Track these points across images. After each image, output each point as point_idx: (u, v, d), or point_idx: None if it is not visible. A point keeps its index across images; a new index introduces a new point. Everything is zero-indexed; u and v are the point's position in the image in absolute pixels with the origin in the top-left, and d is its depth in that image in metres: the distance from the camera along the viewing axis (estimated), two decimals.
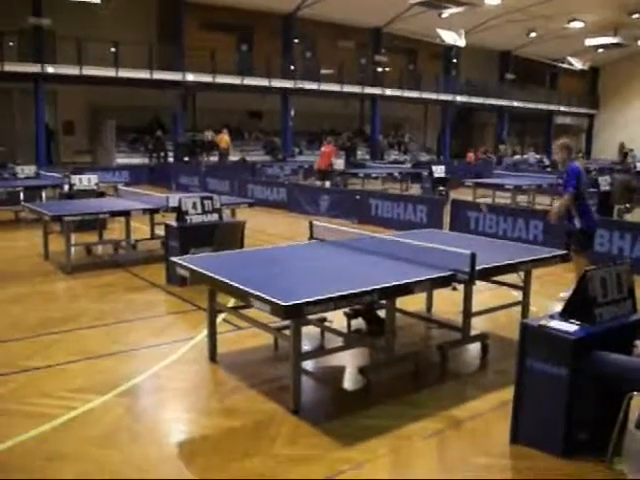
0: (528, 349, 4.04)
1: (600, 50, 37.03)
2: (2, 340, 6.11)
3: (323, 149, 20.14)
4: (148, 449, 4.14)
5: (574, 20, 32.85)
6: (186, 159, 26.98)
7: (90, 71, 24.10)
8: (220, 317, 6.10)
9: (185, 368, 5.47)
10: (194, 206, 8.40)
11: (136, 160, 27.24)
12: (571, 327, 3.92)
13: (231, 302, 6.14)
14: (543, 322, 4.03)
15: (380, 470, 3.86)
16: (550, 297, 7.58)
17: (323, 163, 19.54)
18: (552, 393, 3.92)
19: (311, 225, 6.71)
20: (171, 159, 27.64)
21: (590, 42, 33.78)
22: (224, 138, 26.94)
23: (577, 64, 39.32)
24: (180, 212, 8.32)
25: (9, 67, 22.54)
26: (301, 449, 4.07)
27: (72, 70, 23.80)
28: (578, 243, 7.39)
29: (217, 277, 4.85)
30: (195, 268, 5.17)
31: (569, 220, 7.50)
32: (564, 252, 6.29)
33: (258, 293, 4.29)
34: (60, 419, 4.45)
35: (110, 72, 24.59)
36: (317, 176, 20.01)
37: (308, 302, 4.16)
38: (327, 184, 18.69)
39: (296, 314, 4.21)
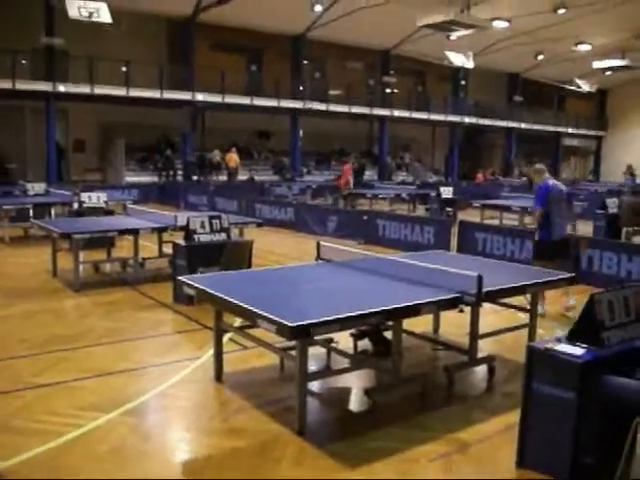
0: (535, 372, 4.03)
1: (608, 72, 37.06)
2: (11, 357, 6.13)
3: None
4: (153, 468, 4.15)
5: (582, 43, 32.98)
6: (195, 178, 27.13)
7: (101, 90, 24.34)
8: (226, 336, 6.10)
9: (191, 387, 5.47)
10: (202, 225, 8.43)
11: (145, 178, 27.43)
12: (578, 350, 3.91)
13: (237, 322, 6.15)
14: (550, 345, 4.02)
15: None
16: (557, 319, 7.56)
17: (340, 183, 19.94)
18: (559, 417, 3.90)
19: (318, 245, 6.73)
20: (180, 178, 27.82)
21: (598, 65, 33.84)
22: (233, 157, 27.09)
23: (585, 86, 39.41)
24: (188, 231, 8.36)
25: (21, 85, 22.77)
26: (306, 471, 4.06)
27: (83, 89, 24.05)
28: (534, 252, 8.28)
29: (224, 297, 4.86)
30: (202, 287, 5.19)
31: None
32: (571, 275, 6.26)
33: (264, 313, 4.30)
34: (67, 436, 4.46)
35: (121, 91, 24.84)
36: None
37: (314, 323, 4.17)
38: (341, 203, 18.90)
39: (302, 335, 4.21)
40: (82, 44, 23.71)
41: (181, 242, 8.43)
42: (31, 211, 13.97)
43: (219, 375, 5.60)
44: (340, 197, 19.97)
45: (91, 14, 20.85)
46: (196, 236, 8.36)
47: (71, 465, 4.09)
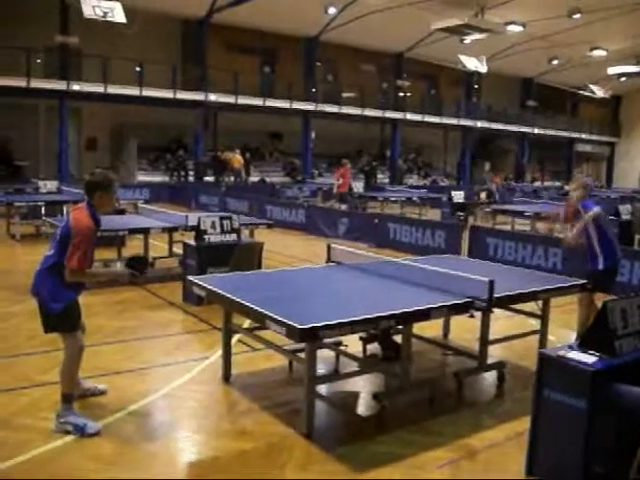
0: (546, 379, 3.98)
1: (622, 78, 36.90)
2: (18, 354, 6.15)
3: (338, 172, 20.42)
4: (158, 468, 4.13)
5: (596, 48, 32.83)
6: (210, 179, 27.16)
7: (114, 89, 24.42)
8: (235, 338, 6.09)
9: (198, 388, 5.45)
10: (213, 226, 8.42)
11: (157, 178, 27.51)
12: (590, 358, 3.86)
13: (246, 323, 6.13)
14: (562, 352, 3.97)
15: None
16: (569, 327, 7.48)
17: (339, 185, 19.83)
18: (570, 425, 3.85)
19: (329, 248, 6.71)
20: (191, 178, 27.87)
21: (612, 70, 33.70)
22: (237, 158, 26.97)
23: (599, 92, 39.22)
24: (199, 231, 8.35)
25: (35, 83, 22.89)
26: (313, 475, 4.03)
27: (97, 88, 24.14)
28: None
29: (233, 298, 4.85)
30: (212, 288, 5.18)
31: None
32: (583, 282, 6.19)
33: (274, 315, 4.28)
34: (72, 435, 4.44)
35: (134, 91, 24.92)
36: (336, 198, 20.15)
37: (324, 325, 4.14)
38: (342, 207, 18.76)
39: (312, 337, 4.19)
40: (96, 43, 23.85)
41: (191, 242, 8.43)
42: (43, 209, 14.02)
43: (227, 376, 5.59)
44: (339, 199, 19.96)
45: (106, 13, 20.93)
46: (206, 236, 8.35)
47: (75, 465, 4.08)
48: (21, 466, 4.04)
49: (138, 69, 25.32)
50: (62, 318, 4.58)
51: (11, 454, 4.14)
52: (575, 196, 6.97)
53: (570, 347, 4.07)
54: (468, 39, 27.38)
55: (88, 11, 20.74)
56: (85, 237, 4.44)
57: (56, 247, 4.56)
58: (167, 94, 25.91)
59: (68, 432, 4.45)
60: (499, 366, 5.85)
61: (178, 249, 9.74)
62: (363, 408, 5.27)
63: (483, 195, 21.39)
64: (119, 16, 21.27)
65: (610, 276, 6.91)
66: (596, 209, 6.78)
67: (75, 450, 4.27)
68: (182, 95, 26.39)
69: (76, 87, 23.83)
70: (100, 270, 4.57)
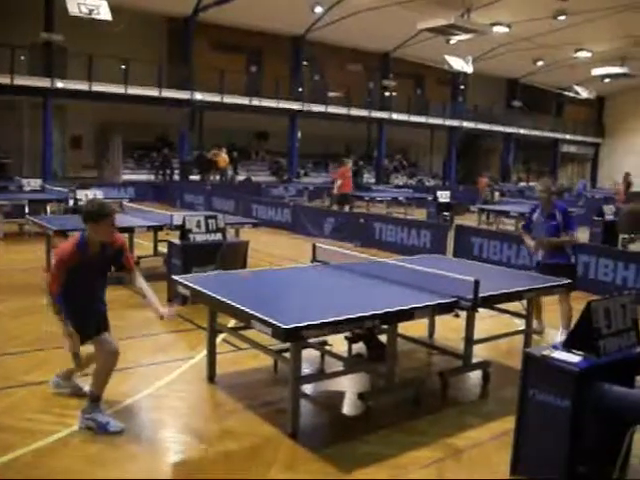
0: (530, 379, 3.99)
1: (606, 80, 37.15)
2: (2, 353, 6.08)
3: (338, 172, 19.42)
4: (143, 469, 4.10)
5: (581, 50, 33.05)
6: (195, 177, 27.07)
7: (99, 87, 24.29)
8: (220, 337, 6.06)
9: (183, 388, 5.43)
10: (198, 225, 8.37)
11: (142, 177, 27.37)
12: (575, 358, 3.88)
13: (231, 322, 6.11)
14: (546, 352, 3.99)
15: None
16: (554, 326, 7.51)
17: (339, 186, 19.07)
18: (554, 424, 3.86)
19: (314, 248, 6.69)
20: (177, 177, 27.75)
21: (597, 72, 33.91)
22: (222, 157, 26.92)
23: (583, 93, 39.47)
24: (184, 230, 8.31)
25: (19, 81, 22.71)
26: (298, 474, 4.02)
27: (81, 86, 23.99)
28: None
29: (218, 297, 4.82)
30: (196, 287, 5.15)
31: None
32: (567, 281, 6.23)
33: (259, 315, 4.26)
34: (56, 435, 4.41)
35: (119, 89, 24.78)
36: (333, 199, 19.57)
37: (309, 325, 4.13)
38: (346, 208, 18.37)
39: (296, 337, 4.17)
40: (81, 41, 23.65)
41: (176, 241, 8.38)
42: (26, 207, 13.91)
43: (212, 376, 5.56)
44: (335, 201, 19.34)
45: (91, 11, 20.76)
46: (192, 235, 8.31)
47: (59, 465, 4.05)
48: (6, 466, 4.00)
49: (123, 67, 25.17)
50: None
51: None
52: (545, 199, 7.24)
53: (555, 347, 4.09)
54: (454, 39, 27.41)
55: (73, 8, 20.57)
56: (59, 260, 4.49)
57: None
58: (152, 92, 25.79)
59: (90, 428, 4.50)
60: (484, 366, 5.87)
61: (163, 248, 9.68)
62: (348, 408, 5.26)
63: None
64: (105, 14, 21.11)
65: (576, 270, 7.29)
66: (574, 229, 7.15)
67: (59, 451, 4.23)
68: (168, 94, 26.28)
69: (60, 85, 23.65)
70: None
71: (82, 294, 4.67)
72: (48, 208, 14.81)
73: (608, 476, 3.77)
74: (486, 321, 6.97)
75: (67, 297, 4.55)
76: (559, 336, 6.81)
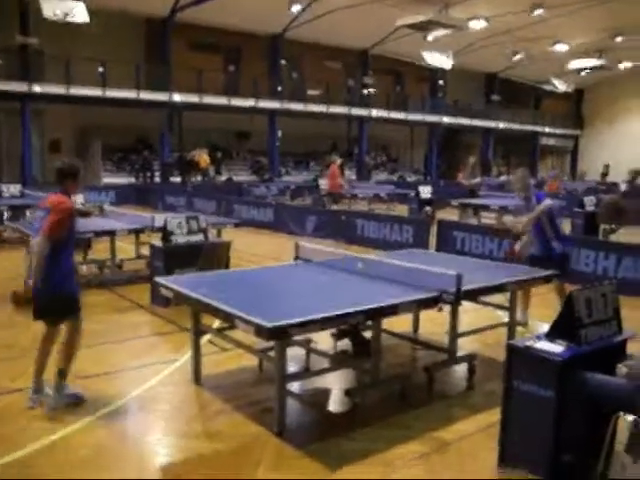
0: (514, 370, 4.02)
1: (584, 72, 37.47)
2: None
3: (330, 170, 19.14)
4: (130, 472, 4.09)
5: (558, 43, 33.27)
6: (176, 179, 26.93)
7: (77, 90, 24.05)
8: (205, 338, 6.04)
9: (169, 390, 5.40)
10: (179, 226, 8.34)
11: (122, 180, 27.13)
12: (557, 348, 3.90)
13: (216, 323, 6.08)
14: (529, 343, 4.01)
15: None
16: (539, 318, 7.56)
17: (330, 185, 18.83)
18: (539, 414, 3.89)
19: (297, 246, 6.68)
20: (158, 179, 27.59)
21: (574, 65, 34.18)
22: (203, 157, 26.81)
23: (561, 86, 39.76)
24: (165, 232, 8.27)
25: None
26: (285, 473, 4.01)
27: (59, 89, 23.73)
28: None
29: (200, 298, 4.80)
30: (178, 289, 5.12)
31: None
32: (548, 273, 6.27)
33: (242, 314, 4.25)
34: (43, 441, 4.39)
35: (97, 92, 24.57)
36: (328, 199, 19.31)
37: (292, 324, 4.12)
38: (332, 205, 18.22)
39: (280, 336, 4.17)
40: (58, 43, 23.46)
41: (158, 244, 8.34)
42: (5, 213, 13.76)
43: (197, 377, 5.53)
44: (329, 200, 19.05)
45: (66, 14, 20.58)
46: (173, 237, 8.27)
47: (47, 469, 4.02)
48: None
49: (101, 69, 24.99)
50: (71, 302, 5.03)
51: None
52: (519, 189, 7.37)
53: (538, 337, 4.11)
54: (431, 35, 27.50)
55: (48, 11, 20.39)
56: (63, 211, 4.88)
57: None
58: (131, 94, 25.60)
59: (68, 404, 4.89)
60: (469, 359, 5.88)
61: (145, 251, 9.64)
62: (335, 405, 5.26)
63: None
64: (81, 16, 20.94)
65: (567, 259, 7.34)
66: (548, 201, 7.20)
67: (47, 455, 4.22)
68: (146, 95, 26.10)
69: (38, 89, 23.41)
70: (39, 261, 4.80)
71: (70, 255, 5.09)
72: (28, 213, 14.66)
73: (593, 464, 3.80)
74: (470, 314, 7.00)
75: (62, 258, 4.94)
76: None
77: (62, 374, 4.98)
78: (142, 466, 4.18)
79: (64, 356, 5.01)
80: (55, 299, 4.91)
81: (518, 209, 7.64)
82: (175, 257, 8.04)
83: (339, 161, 19.68)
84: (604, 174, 29.57)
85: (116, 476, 3.98)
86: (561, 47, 33.60)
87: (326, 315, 4.31)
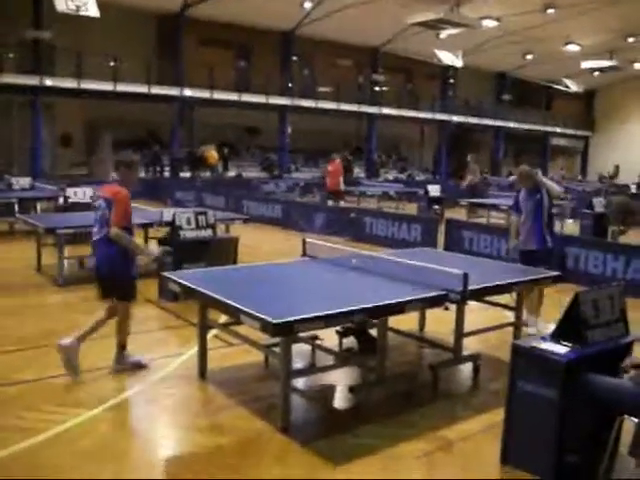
0: (519, 370, 4.03)
1: (596, 73, 37.33)
2: None
3: (330, 168, 18.81)
4: (135, 464, 4.13)
5: (570, 43, 33.17)
6: (186, 174, 27.02)
7: (88, 85, 24.21)
8: (211, 333, 6.06)
9: (175, 384, 5.43)
10: (188, 221, 8.37)
11: None
12: (562, 349, 3.91)
13: (222, 318, 6.11)
14: (534, 343, 4.02)
15: None
16: (544, 319, 7.54)
17: (332, 183, 18.74)
18: (542, 415, 3.89)
19: (304, 242, 6.70)
20: (167, 174, 27.67)
21: (586, 65, 34.04)
22: (211, 153, 26.89)
23: (573, 86, 39.63)
24: (174, 227, 8.30)
25: (8, 79, 22.61)
26: (290, 468, 4.04)
27: (70, 83, 23.90)
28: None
29: (208, 293, 4.83)
30: (186, 284, 5.15)
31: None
32: (557, 274, 6.27)
33: (248, 310, 4.27)
34: (49, 432, 4.41)
35: (108, 86, 24.71)
36: (329, 197, 19.21)
37: (298, 320, 4.14)
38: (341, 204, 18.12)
39: (286, 332, 4.19)
40: (70, 38, 23.58)
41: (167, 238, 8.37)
42: (16, 206, 13.85)
43: (203, 372, 5.56)
44: (332, 198, 18.94)
45: (79, 7, 20.70)
46: (182, 232, 8.30)
47: (52, 461, 4.05)
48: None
49: (112, 64, 25.08)
50: (127, 285, 5.61)
51: None
52: (526, 186, 7.39)
53: (543, 338, 4.11)
54: (444, 34, 27.49)
55: (61, 5, 20.51)
56: (123, 200, 5.44)
57: (102, 224, 5.51)
58: (142, 89, 25.73)
59: (125, 370, 5.55)
60: (474, 358, 5.89)
61: (153, 246, 9.68)
62: (340, 401, 5.28)
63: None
64: (93, 10, 21.08)
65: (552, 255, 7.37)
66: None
67: (52, 447, 4.24)
68: (157, 90, 26.23)
69: (49, 82, 23.57)
70: (134, 240, 5.64)
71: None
72: (38, 206, 14.76)
73: (597, 465, 3.80)
74: (476, 314, 6.99)
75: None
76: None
77: (121, 346, 5.68)
78: (147, 458, 4.22)
79: (121, 330, 5.67)
80: (124, 281, 5.58)
81: (523, 202, 7.48)
82: (183, 252, 8.08)
83: (338, 159, 19.46)
84: (611, 176, 29.43)
85: (121, 469, 4.02)
86: (572, 47, 33.51)
87: (332, 312, 4.32)
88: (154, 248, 7.37)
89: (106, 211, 5.46)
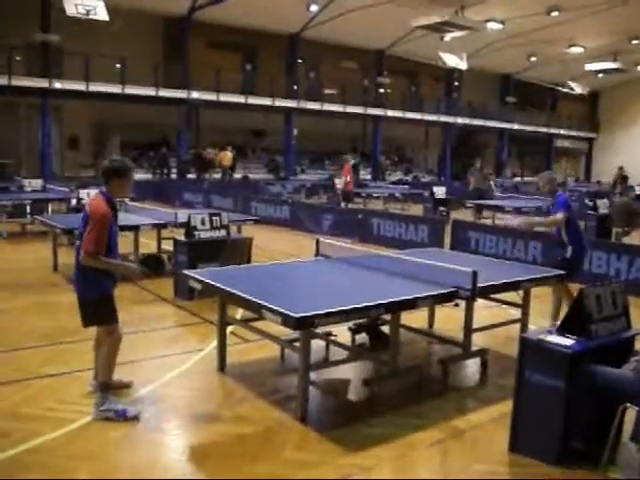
0: (527, 362, 4.25)
1: (600, 75, 37.50)
2: (16, 348, 6.30)
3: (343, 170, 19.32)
4: (161, 452, 4.37)
5: (574, 45, 33.35)
6: (192, 175, 27.28)
7: (96, 87, 24.46)
8: (228, 330, 6.28)
9: (195, 377, 5.67)
10: (203, 222, 8.62)
11: (140, 176, 27.42)
12: (568, 341, 4.13)
13: (238, 315, 6.34)
14: (541, 336, 4.24)
15: (386, 475, 4.06)
16: (548, 316, 7.75)
17: (345, 184, 19.06)
18: (549, 404, 4.12)
19: (317, 242, 6.93)
20: (175, 176, 27.93)
21: (590, 67, 34.19)
22: (227, 156, 27.25)
23: (577, 88, 39.75)
24: (189, 228, 8.54)
25: (17, 81, 22.87)
26: (310, 455, 4.26)
27: (79, 86, 24.15)
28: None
29: (231, 290, 5.05)
30: (209, 281, 5.37)
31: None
32: (560, 272, 6.49)
33: (271, 305, 4.49)
34: (77, 423, 4.64)
35: (116, 89, 24.97)
36: (340, 198, 19.53)
37: (319, 314, 4.37)
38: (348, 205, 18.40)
39: (307, 325, 4.41)
40: (78, 41, 23.82)
41: (182, 238, 8.61)
42: (28, 207, 14.10)
43: (222, 366, 5.79)
44: (343, 199, 19.23)
45: (88, 11, 20.94)
46: (197, 233, 8.55)
47: (85, 450, 4.27)
48: (32, 451, 4.22)
49: (120, 66, 25.34)
50: (97, 308, 4.81)
51: (18, 443, 4.30)
52: (546, 191, 7.44)
53: (549, 331, 4.34)
54: (448, 36, 27.65)
55: (71, 9, 20.75)
56: (99, 221, 4.60)
57: (80, 238, 4.77)
58: (149, 92, 25.97)
59: (109, 419, 4.68)
60: (482, 353, 6.12)
61: (166, 246, 9.92)
62: (354, 394, 5.50)
63: None
64: (102, 14, 21.29)
65: (577, 264, 7.27)
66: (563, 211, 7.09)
67: (83, 437, 4.47)
68: (164, 93, 26.48)
69: (58, 85, 23.82)
70: (114, 260, 4.81)
71: (114, 255, 4.84)
72: (50, 208, 15.01)
73: (601, 452, 4.02)
74: (483, 313, 7.21)
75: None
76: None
77: (102, 387, 4.87)
78: (173, 447, 4.45)
79: (104, 364, 4.92)
80: (94, 301, 4.83)
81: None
82: (199, 252, 8.33)
83: (352, 161, 19.79)
84: (624, 177, 29.42)
85: (149, 457, 4.24)
86: (577, 49, 33.68)
87: (351, 307, 4.55)
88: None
89: (83, 225, 4.75)
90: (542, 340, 4.18)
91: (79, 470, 4.01)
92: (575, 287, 7.30)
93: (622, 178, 29.01)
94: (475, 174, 20.06)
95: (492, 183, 21.47)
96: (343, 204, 18.57)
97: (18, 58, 23.85)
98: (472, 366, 6.19)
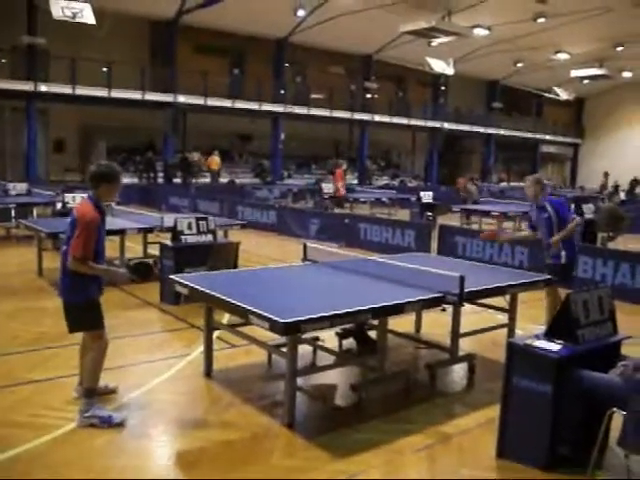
0: (514, 367, 4.25)
1: (585, 81, 37.80)
2: (2, 353, 6.23)
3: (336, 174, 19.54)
4: (147, 459, 4.32)
5: (560, 51, 33.61)
6: (178, 180, 27.18)
7: (82, 91, 24.33)
8: (214, 335, 6.25)
9: (181, 383, 5.62)
10: (189, 226, 8.57)
11: (126, 180, 27.22)
12: (555, 346, 4.14)
13: (225, 320, 6.31)
14: (528, 341, 4.24)
15: None
16: (535, 321, 7.78)
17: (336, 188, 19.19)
18: (536, 409, 4.12)
19: (305, 247, 6.91)
20: (161, 180, 27.82)
21: (576, 73, 34.47)
22: (214, 160, 27.21)
23: (563, 94, 40.05)
24: (175, 232, 8.49)
25: (2, 84, 22.69)
26: (297, 461, 4.24)
27: (65, 89, 24.02)
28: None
29: (217, 294, 5.02)
30: (196, 286, 5.34)
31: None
32: (547, 277, 6.51)
33: (258, 310, 4.47)
34: (61, 430, 4.58)
35: (102, 92, 24.83)
36: (331, 202, 19.61)
37: (305, 319, 4.34)
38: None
39: (294, 331, 4.39)
40: (64, 44, 23.73)
41: (168, 243, 8.56)
42: (13, 211, 13.97)
43: (209, 371, 5.76)
44: (332, 204, 19.32)
45: (75, 14, 20.86)
46: (183, 237, 8.50)
47: (66, 458, 4.21)
48: (15, 459, 4.16)
49: (106, 70, 25.23)
50: (83, 313, 4.75)
51: (4, 448, 4.24)
52: (532, 194, 7.28)
53: (537, 336, 4.34)
54: (435, 42, 27.79)
55: (57, 12, 20.65)
56: (87, 226, 4.56)
57: (67, 242, 4.70)
58: (135, 95, 25.87)
59: (93, 425, 4.61)
60: (469, 358, 6.12)
61: (152, 250, 9.86)
62: (341, 399, 5.48)
63: None
64: (88, 17, 21.22)
65: (570, 269, 7.34)
66: (578, 218, 7.28)
67: (66, 444, 4.41)
68: (151, 96, 26.38)
69: (43, 88, 23.69)
70: (100, 266, 4.74)
71: (101, 260, 4.79)
72: (35, 212, 14.89)
73: (588, 457, 4.02)
74: (470, 317, 7.21)
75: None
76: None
77: (87, 393, 4.79)
78: (158, 454, 4.41)
79: (90, 370, 4.85)
80: (78, 305, 4.78)
81: (537, 221, 7.43)
82: (185, 256, 8.27)
83: (344, 166, 19.89)
84: (602, 187, 29.66)
85: (134, 465, 4.19)
86: (563, 56, 33.95)
87: (338, 312, 4.54)
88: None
89: (70, 229, 4.68)
90: (529, 345, 4.18)
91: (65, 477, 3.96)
92: (562, 292, 7.41)
93: (614, 188, 29.30)
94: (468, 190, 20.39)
95: (474, 187, 21.76)
96: (337, 210, 18.60)
97: (4, 60, 23.73)
98: (459, 371, 6.19)
